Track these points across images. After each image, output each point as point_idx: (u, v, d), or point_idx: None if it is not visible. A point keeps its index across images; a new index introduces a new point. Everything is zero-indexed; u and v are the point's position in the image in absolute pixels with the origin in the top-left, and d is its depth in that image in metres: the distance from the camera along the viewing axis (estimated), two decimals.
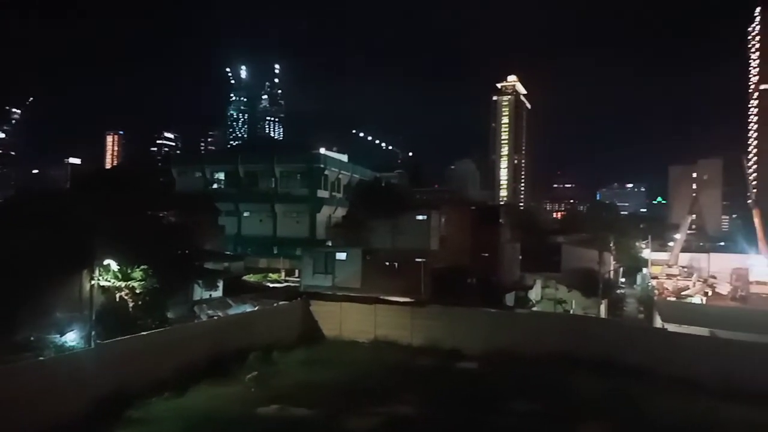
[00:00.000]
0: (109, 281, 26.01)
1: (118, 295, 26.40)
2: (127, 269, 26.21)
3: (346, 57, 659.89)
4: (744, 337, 26.40)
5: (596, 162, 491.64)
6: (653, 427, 18.44)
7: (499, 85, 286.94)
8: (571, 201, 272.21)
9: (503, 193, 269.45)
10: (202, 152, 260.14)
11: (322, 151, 73.55)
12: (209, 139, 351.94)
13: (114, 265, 25.70)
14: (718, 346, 25.03)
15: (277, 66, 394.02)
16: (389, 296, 32.70)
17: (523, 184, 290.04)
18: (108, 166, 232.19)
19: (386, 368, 25.49)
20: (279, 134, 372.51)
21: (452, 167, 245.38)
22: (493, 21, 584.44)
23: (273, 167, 61.78)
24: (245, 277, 46.27)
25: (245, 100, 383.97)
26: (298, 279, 42.74)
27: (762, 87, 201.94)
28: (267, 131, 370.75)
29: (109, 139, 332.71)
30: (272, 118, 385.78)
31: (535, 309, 39.87)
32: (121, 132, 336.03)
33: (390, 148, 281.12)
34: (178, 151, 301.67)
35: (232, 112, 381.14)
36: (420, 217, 40.60)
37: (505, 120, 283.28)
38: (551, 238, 70.75)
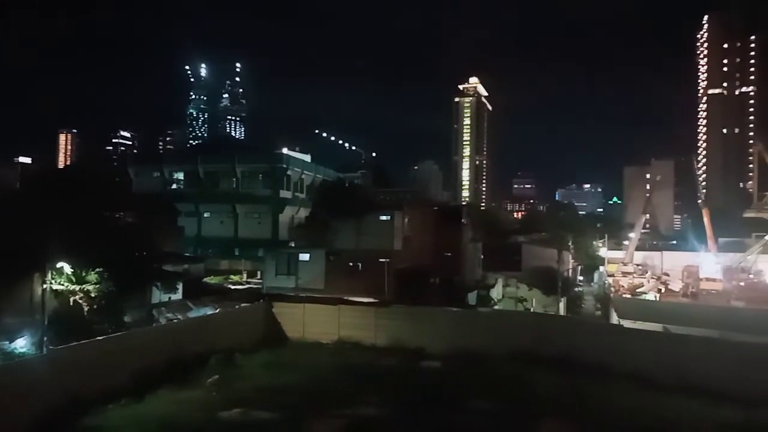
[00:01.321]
0: (63, 285, 25.09)
1: (72, 300, 25.50)
2: (82, 272, 25.34)
3: (309, 57, 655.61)
4: (695, 331, 27.47)
5: (555, 163, 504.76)
6: (609, 422, 18.93)
7: (460, 87, 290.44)
8: (531, 201, 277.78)
9: (465, 193, 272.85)
10: (161, 152, 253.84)
11: (285, 151, 72.88)
12: (168, 139, 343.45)
13: (67, 268, 24.80)
14: (670, 341, 25.95)
15: (238, 64, 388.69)
16: (353, 297, 32.64)
17: (484, 185, 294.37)
18: (61, 165, 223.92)
19: (350, 369, 25.40)
20: (240, 134, 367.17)
21: (415, 168, 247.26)
22: (455, 23, 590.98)
23: (234, 167, 60.86)
24: (206, 279, 45.44)
25: (205, 98, 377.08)
26: (260, 280, 42.22)
27: (710, 91, 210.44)
28: (228, 131, 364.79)
29: (62, 137, 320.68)
30: (233, 118, 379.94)
31: (496, 308, 40.48)
32: (75, 130, 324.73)
33: (353, 148, 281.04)
34: (135, 151, 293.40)
35: (191, 111, 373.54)
36: (383, 218, 40.65)
37: (467, 121, 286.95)
38: (512, 237, 72.01)
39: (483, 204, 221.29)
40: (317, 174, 67.48)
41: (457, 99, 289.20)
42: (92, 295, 25.50)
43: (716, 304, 53.00)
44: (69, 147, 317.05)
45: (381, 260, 33.88)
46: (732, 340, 25.25)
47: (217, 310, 32.51)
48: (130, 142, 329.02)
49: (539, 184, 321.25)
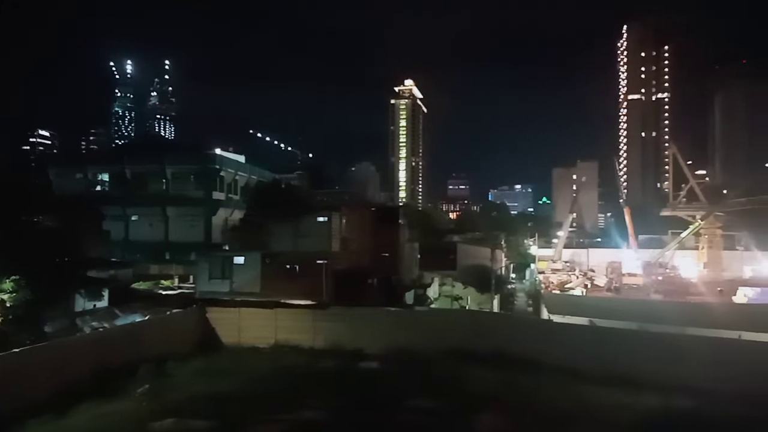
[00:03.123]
0: None
1: None
2: None
3: (243, 56, 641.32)
4: (618, 324, 29.05)
5: (488, 164, 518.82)
6: (540, 413, 19.70)
7: (396, 89, 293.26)
8: (466, 201, 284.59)
9: (402, 194, 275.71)
10: (84, 152, 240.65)
11: (218, 151, 70.87)
12: (92, 138, 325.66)
13: None
14: (596, 334, 27.31)
15: (167, 62, 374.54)
16: (290, 300, 32.26)
17: (420, 186, 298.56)
18: None
19: (288, 373, 25.10)
20: (170, 133, 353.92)
21: (353, 169, 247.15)
22: (389, 25, 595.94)
23: (164, 168, 58.54)
24: (134, 285, 43.57)
25: (132, 96, 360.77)
26: (193, 285, 40.96)
27: (630, 97, 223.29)
28: (157, 130, 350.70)
29: None
30: (162, 117, 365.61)
31: (433, 306, 41.13)
32: None
33: (289, 149, 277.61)
34: (55, 151, 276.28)
35: (117, 109, 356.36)
36: (321, 219, 40.42)
37: (403, 123, 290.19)
38: (447, 237, 73.57)
39: (419, 205, 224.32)
40: (252, 175, 66.08)
41: (392, 101, 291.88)
42: (7, 304, 23.84)
43: (637, 298, 56.38)
44: None
45: (318, 262, 33.67)
46: (651, 331, 26.91)
47: (147, 317, 31.21)
48: (50, 142, 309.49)
49: (473, 185, 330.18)
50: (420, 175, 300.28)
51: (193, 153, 63.53)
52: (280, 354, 28.50)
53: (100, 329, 28.26)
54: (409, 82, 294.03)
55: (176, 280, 47.91)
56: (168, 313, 31.56)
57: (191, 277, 44.68)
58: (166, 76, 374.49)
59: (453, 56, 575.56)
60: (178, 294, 41.25)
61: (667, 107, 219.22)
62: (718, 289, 58.65)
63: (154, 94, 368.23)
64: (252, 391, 22.39)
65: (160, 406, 20.28)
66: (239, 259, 35.12)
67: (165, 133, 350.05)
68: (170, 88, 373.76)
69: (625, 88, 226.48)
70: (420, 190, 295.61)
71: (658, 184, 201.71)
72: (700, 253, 76.85)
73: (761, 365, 22.02)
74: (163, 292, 42.72)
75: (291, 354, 28.45)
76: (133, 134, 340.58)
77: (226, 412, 19.81)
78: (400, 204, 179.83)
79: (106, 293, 32.60)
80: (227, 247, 46.54)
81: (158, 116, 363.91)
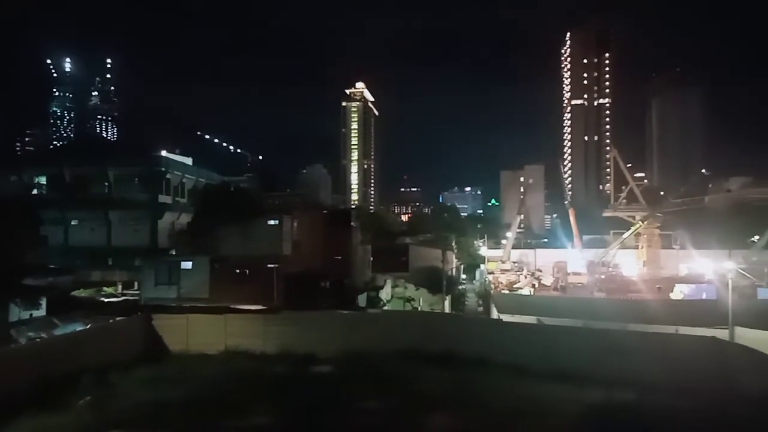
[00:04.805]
0: None
1: None
2: None
3: (190, 56, 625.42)
4: (564, 322, 30.05)
5: (439, 167, 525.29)
6: (488, 410, 20.12)
7: (347, 92, 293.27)
8: (417, 204, 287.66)
9: (354, 196, 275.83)
10: (19, 153, 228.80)
11: (164, 153, 68.97)
12: (27, 139, 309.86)
13: None
14: (543, 332, 28.14)
15: (109, 60, 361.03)
16: (241, 305, 31.74)
17: (372, 188, 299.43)
18: None
19: (238, 379, 24.62)
20: (113, 135, 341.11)
21: (304, 171, 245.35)
22: (340, 27, 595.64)
23: (106, 170, 56.43)
24: (75, 293, 41.80)
25: (71, 96, 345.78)
26: (137, 292, 39.70)
27: (573, 102, 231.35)
28: (99, 131, 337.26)
29: None
30: (104, 117, 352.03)
31: (386, 308, 41.33)
32: None
33: (239, 151, 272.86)
34: None
35: (55, 109, 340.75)
36: (271, 222, 39.98)
37: (355, 126, 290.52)
38: (400, 239, 74.09)
39: (372, 207, 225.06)
40: (200, 178, 64.60)
41: (344, 103, 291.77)
42: None
43: (581, 296, 58.40)
44: None
45: (269, 266, 33.29)
46: (594, 328, 27.96)
47: (88, 326, 29.97)
48: None
49: (424, 188, 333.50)
50: (372, 177, 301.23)
51: (137, 155, 61.78)
52: (230, 360, 27.91)
53: (38, 340, 26.93)
54: (360, 85, 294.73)
55: (120, 287, 46.38)
56: (111, 321, 30.39)
57: (136, 283, 43.33)
58: (108, 75, 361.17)
59: (403, 60, 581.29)
60: (121, 301, 39.98)
61: (608, 112, 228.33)
62: (657, 286, 61.52)
63: (96, 93, 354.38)
64: (200, 398, 21.82)
65: (103, 417, 19.49)
66: (187, 264, 34.36)
67: (107, 134, 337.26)
68: (112, 88, 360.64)
69: (569, 94, 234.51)
70: (372, 192, 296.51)
71: (601, 186, 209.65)
72: (640, 252, 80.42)
73: (697, 358, 23.23)
74: (106, 300, 41.28)
75: (241, 360, 27.90)
76: (72, 135, 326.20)
77: (173, 420, 19.26)
78: (353, 206, 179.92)
79: (43, 302, 31.14)
80: (174, 252, 45.39)
81: (100, 117, 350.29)
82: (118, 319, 30.74)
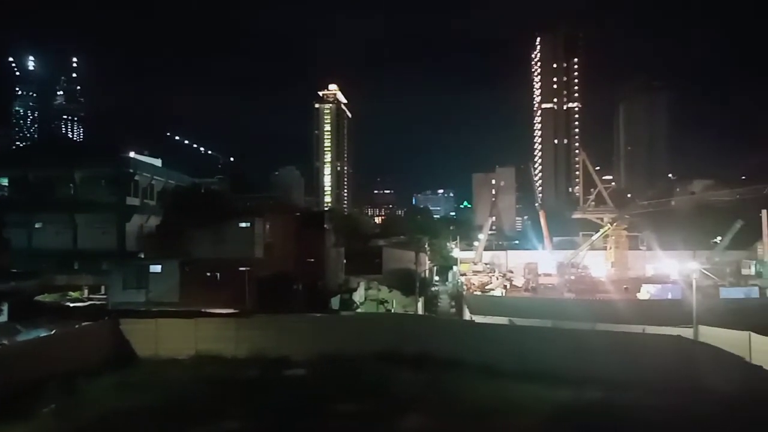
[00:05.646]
0: None
1: None
2: None
3: (159, 55, 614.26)
4: (534, 322, 30.50)
5: (412, 169, 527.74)
6: (462, 410, 20.30)
7: (320, 93, 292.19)
8: (390, 206, 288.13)
9: (327, 199, 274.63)
10: None
11: (132, 154, 67.54)
12: None
13: None
14: (514, 333, 28.51)
15: (75, 59, 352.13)
16: (212, 309, 31.32)
17: (346, 190, 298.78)
18: None
19: (209, 384, 24.27)
20: (79, 135, 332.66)
21: (276, 173, 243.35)
22: (313, 29, 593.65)
23: (72, 172, 54.99)
24: (39, 298, 40.66)
25: (35, 95, 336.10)
26: (105, 296, 38.84)
27: (543, 106, 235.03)
28: (64, 131, 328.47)
29: None
30: (70, 117, 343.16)
31: (359, 311, 41.30)
32: None
33: (210, 152, 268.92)
34: None
35: (18, 108, 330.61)
36: (243, 225, 39.56)
37: (328, 128, 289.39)
38: (373, 241, 74.12)
39: (345, 209, 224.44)
40: (169, 179, 63.39)
41: (317, 105, 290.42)
42: None
43: (552, 297, 59.31)
44: None
45: (241, 269, 32.94)
46: (564, 328, 28.45)
47: (53, 332, 29.14)
48: None
49: (398, 190, 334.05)
50: (345, 179, 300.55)
51: (104, 156, 60.38)
52: (201, 365, 27.50)
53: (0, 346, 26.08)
54: (333, 87, 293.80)
55: (86, 291, 45.34)
56: (77, 326, 29.63)
57: (103, 287, 42.38)
58: (74, 75, 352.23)
59: (377, 63, 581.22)
60: (88, 306, 39.07)
61: (577, 116, 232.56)
62: (624, 287, 62.88)
63: (61, 93, 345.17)
64: (170, 403, 21.43)
65: (69, 425, 19.02)
66: (156, 268, 33.78)
67: (73, 134, 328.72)
68: (79, 87, 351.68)
69: (539, 97, 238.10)
70: (345, 194, 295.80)
71: (570, 189, 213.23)
72: (608, 253, 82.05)
73: (663, 357, 23.84)
74: (72, 305, 40.26)
75: (212, 364, 27.52)
76: (36, 135, 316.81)
77: (143, 428, 18.89)
78: (326, 209, 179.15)
79: (5, 307, 30.22)
80: (143, 255, 44.53)
81: (65, 117, 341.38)
82: (84, 324, 29.99)
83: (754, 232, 68.30)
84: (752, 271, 69.07)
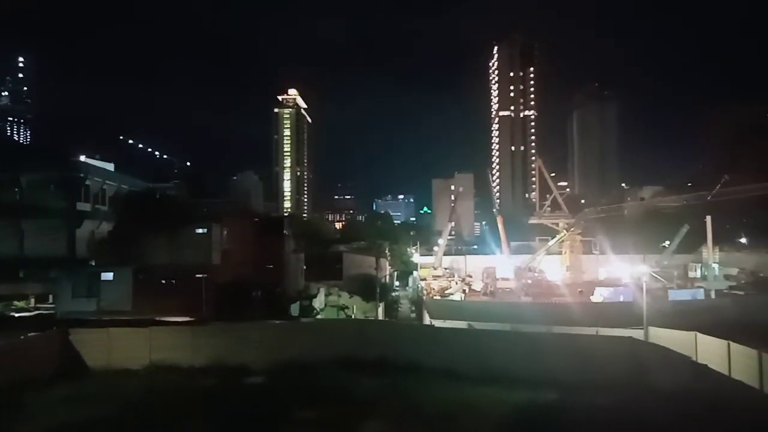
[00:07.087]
0: None
1: None
2: None
3: (111, 57, 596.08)
4: (493, 326, 30.98)
5: (372, 175, 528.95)
6: (421, 414, 20.42)
7: (280, 98, 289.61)
8: (351, 211, 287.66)
9: (287, 204, 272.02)
10: None
11: (83, 158, 65.39)
12: None
13: None
14: (474, 336, 28.89)
15: (21, 59, 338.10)
16: (167, 317, 30.54)
17: (306, 196, 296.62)
18: None
19: (164, 394, 23.63)
20: (25, 138, 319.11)
21: (234, 178, 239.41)
22: (274, 35, 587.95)
23: (18, 176, 52.74)
24: None
25: None
26: (53, 305, 37.33)
27: (501, 113, 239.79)
28: (9, 133, 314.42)
29: None
30: (15, 119, 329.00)
31: (319, 317, 41.01)
32: None
33: (165, 157, 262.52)
34: None
35: None
36: (200, 231, 38.78)
37: (287, 133, 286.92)
38: (333, 247, 73.74)
39: (305, 215, 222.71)
40: (122, 184, 61.63)
41: (276, 110, 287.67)
42: None
43: (509, 301, 60.43)
44: None
45: (198, 276, 32.24)
46: (521, 331, 29.02)
47: None
48: None
49: (358, 195, 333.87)
50: (305, 185, 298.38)
51: (53, 160, 58.21)
52: (156, 375, 26.74)
53: None
54: (293, 92, 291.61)
55: (33, 301, 43.44)
56: (23, 337, 28.36)
57: (51, 296, 40.74)
58: (20, 75, 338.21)
59: (337, 68, 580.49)
60: (34, 316, 37.45)
61: (533, 124, 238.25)
62: (579, 290, 64.60)
63: (6, 93, 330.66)
64: (123, 416, 20.76)
65: None
66: (108, 275, 32.72)
67: (19, 137, 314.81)
68: (25, 88, 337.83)
69: (497, 105, 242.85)
70: (305, 200, 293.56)
71: (527, 195, 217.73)
72: (564, 257, 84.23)
73: (616, 357, 24.60)
74: (17, 314, 38.54)
75: (168, 374, 26.79)
76: None
77: None
78: (285, 214, 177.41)
79: None
80: (94, 262, 43.08)
81: (10, 118, 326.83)
82: (30, 334, 28.75)
83: (699, 237, 71.40)
84: (698, 273, 72.19)
